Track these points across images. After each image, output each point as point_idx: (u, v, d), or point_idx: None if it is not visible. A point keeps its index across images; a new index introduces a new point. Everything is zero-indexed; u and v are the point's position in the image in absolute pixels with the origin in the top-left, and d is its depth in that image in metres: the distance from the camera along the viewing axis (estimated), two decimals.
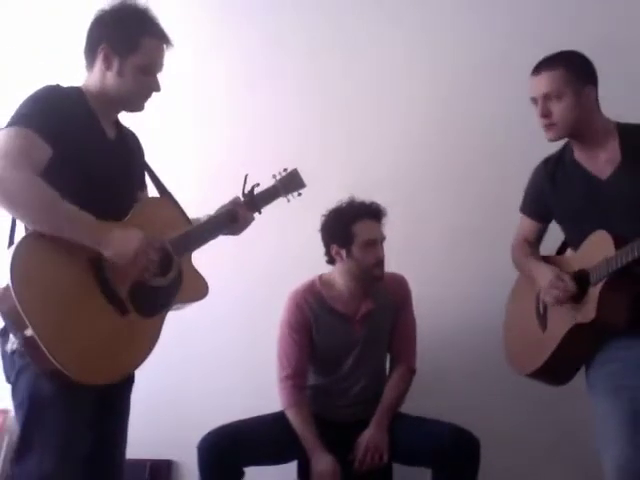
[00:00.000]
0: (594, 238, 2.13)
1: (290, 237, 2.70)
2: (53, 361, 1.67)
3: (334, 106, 3.18)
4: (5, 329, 1.81)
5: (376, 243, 2.61)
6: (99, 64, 1.95)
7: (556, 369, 2.24)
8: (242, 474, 2.51)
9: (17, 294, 1.65)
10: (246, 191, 2.31)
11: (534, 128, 2.93)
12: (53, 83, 1.93)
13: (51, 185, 1.75)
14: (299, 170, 2.48)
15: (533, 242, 2.44)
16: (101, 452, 1.97)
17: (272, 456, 2.62)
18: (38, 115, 1.79)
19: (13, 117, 1.80)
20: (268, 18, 3.24)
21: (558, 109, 2.13)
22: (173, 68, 3.21)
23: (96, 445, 1.93)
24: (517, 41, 3.01)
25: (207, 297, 2.99)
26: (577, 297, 2.14)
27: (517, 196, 2.93)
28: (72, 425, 1.83)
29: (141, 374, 2.89)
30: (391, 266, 2.74)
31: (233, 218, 2.23)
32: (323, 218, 2.68)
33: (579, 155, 2.23)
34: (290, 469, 2.68)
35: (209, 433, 2.53)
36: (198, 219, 2.19)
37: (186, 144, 3.26)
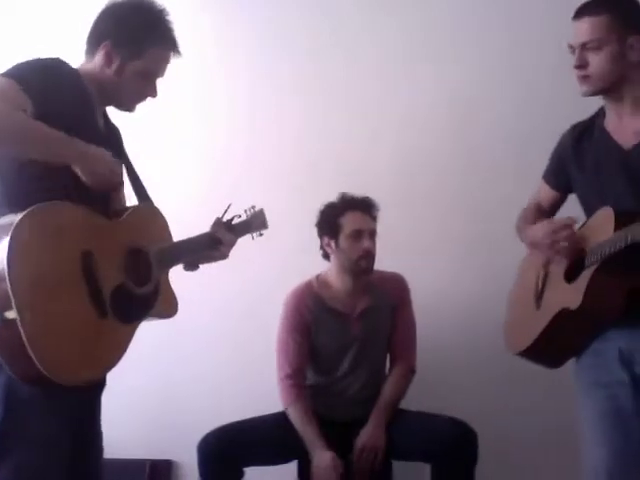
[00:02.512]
0: (599, 215, 1.95)
1: (285, 236, 2.70)
2: (29, 351, 1.57)
3: (334, 106, 3.17)
4: None
5: (362, 234, 2.63)
6: (99, 58, 1.90)
7: (544, 351, 2.08)
8: (242, 474, 2.51)
9: (10, 273, 1.58)
10: (225, 219, 2.26)
11: (537, 128, 2.97)
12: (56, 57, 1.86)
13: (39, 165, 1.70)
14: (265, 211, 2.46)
15: (545, 210, 2.26)
16: (82, 454, 1.89)
17: (272, 456, 2.62)
18: (29, 74, 1.73)
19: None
20: (268, 18, 3.24)
21: (596, 60, 1.91)
22: (173, 68, 3.24)
23: (77, 447, 1.85)
24: (519, 40, 3.01)
25: (206, 296, 3.02)
26: (572, 277, 1.98)
27: (518, 195, 2.94)
28: (52, 428, 1.75)
29: (141, 375, 2.91)
30: (391, 265, 2.74)
31: (214, 240, 2.16)
32: (318, 213, 2.72)
33: (609, 121, 2.01)
34: (290, 469, 2.68)
35: (209, 433, 2.53)
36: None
37: (186, 144, 3.26)
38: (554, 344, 2.05)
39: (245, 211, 2.40)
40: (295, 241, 2.89)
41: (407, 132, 3.10)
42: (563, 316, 1.97)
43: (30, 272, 1.63)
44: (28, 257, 1.63)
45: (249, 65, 3.25)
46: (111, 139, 1.99)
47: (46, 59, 1.83)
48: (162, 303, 1.94)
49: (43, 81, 1.74)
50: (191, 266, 2.17)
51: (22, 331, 1.57)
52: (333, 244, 2.66)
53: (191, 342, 3.13)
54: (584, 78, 1.94)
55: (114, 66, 1.89)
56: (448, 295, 2.97)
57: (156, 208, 2.04)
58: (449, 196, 3.04)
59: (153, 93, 2.00)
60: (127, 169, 2.04)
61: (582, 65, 1.93)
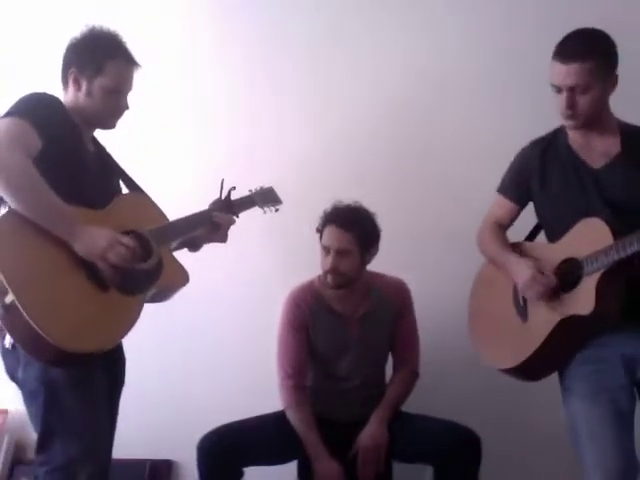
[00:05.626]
0: (585, 226, 2.07)
1: (288, 236, 2.70)
2: (33, 325, 1.71)
3: (334, 106, 3.18)
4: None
5: (329, 251, 2.58)
6: (71, 85, 2.15)
7: (538, 364, 2.16)
8: (241, 474, 2.51)
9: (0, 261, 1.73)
10: (223, 195, 2.43)
11: (530, 127, 2.95)
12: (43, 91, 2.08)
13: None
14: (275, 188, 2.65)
15: (504, 226, 2.38)
16: None
17: (272, 456, 2.61)
18: (33, 110, 1.95)
19: (9, 110, 1.95)
20: (268, 18, 3.24)
21: (583, 101, 2.07)
22: (174, 68, 3.25)
23: None
24: (516, 39, 3.01)
25: (206, 296, 3.01)
26: (564, 287, 2.09)
27: None
28: (90, 407, 1.93)
29: (141, 374, 2.90)
30: (391, 264, 2.73)
31: (211, 220, 2.33)
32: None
33: (574, 141, 2.18)
34: (290, 469, 2.68)
35: (209, 433, 2.52)
36: None
37: (186, 144, 3.26)
38: (551, 355, 2.13)
39: (250, 190, 2.56)
40: (299, 241, 2.89)
41: (406, 132, 3.10)
42: (566, 324, 2.05)
43: (20, 257, 1.80)
44: (15, 244, 1.80)
45: (249, 65, 3.25)
46: (104, 160, 2.23)
47: (39, 93, 2.06)
48: (169, 275, 2.10)
49: (46, 115, 1.97)
50: (193, 246, 2.33)
51: (23, 311, 1.71)
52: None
53: (192, 342, 3.13)
54: (572, 117, 2.12)
55: (83, 88, 2.13)
56: (450, 297, 2.95)
57: (140, 195, 2.24)
58: (451, 196, 3.04)
59: (125, 106, 2.20)
60: (124, 180, 2.27)
61: (572, 106, 2.09)
